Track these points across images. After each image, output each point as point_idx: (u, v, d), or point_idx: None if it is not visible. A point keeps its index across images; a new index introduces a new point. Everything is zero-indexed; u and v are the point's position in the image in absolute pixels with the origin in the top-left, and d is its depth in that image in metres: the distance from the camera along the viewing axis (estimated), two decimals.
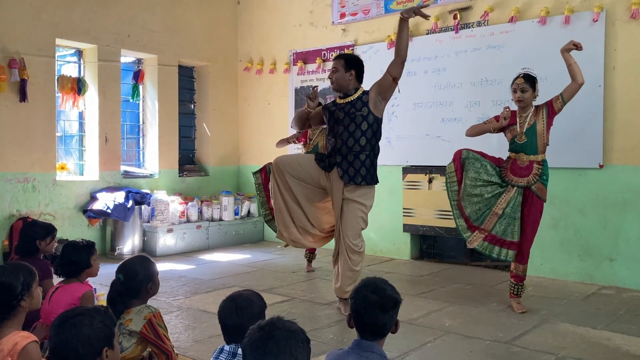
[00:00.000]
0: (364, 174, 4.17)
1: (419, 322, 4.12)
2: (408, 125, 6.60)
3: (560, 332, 3.90)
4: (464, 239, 4.54)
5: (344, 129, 4.20)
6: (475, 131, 4.66)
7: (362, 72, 4.35)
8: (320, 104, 4.76)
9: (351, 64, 4.28)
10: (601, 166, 5.30)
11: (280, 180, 4.46)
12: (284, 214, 4.49)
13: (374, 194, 4.36)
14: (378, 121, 4.25)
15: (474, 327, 4.01)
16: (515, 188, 4.37)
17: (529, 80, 4.37)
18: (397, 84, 4.18)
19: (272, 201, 4.67)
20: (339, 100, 4.34)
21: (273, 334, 1.57)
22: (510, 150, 4.49)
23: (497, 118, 4.54)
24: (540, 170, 4.34)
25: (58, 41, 6.55)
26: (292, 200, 4.46)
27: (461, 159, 4.54)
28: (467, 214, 4.47)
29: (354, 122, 4.17)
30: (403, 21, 4.06)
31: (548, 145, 4.41)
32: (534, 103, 4.46)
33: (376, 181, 4.29)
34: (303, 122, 4.63)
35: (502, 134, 4.61)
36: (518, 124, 4.42)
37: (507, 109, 4.45)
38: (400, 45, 4.11)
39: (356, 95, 4.25)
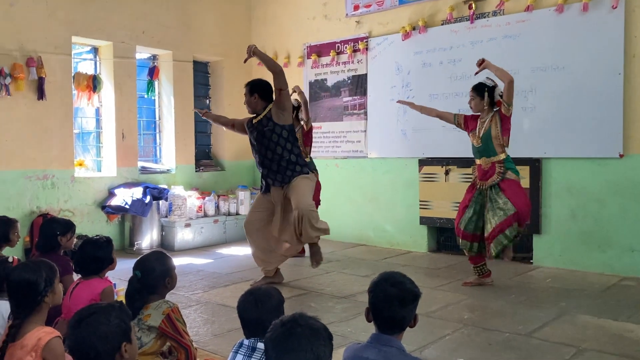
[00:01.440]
0: (290, 174, 4.78)
1: (437, 315, 4.10)
2: (424, 117, 6.49)
3: (580, 324, 3.86)
4: (484, 254, 4.89)
5: (260, 145, 4.81)
6: (427, 112, 5.35)
7: (267, 92, 4.83)
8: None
9: (253, 89, 4.83)
10: (621, 155, 5.22)
11: (252, 238, 5.10)
12: (264, 255, 5.11)
13: (309, 179, 4.85)
14: (285, 128, 4.77)
15: (493, 320, 3.99)
16: (489, 190, 4.75)
17: (476, 90, 4.77)
18: (286, 91, 4.72)
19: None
20: (253, 121, 4.88)
21: (295, 331, 1.57)
22: (474, 156, 4.91)
23: (467, 117, 4.99)
24: (502, 167, 4.71)
25: (74, 39, 6.61)
26: (264, 240, 5.08)
27: (462, 230, 4.90)
28: (464, 229, 4.86)
29: (265, 137, 4.76)
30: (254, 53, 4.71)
31: (507, 146, 4.74)
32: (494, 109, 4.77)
33: (306, 171, 4.84)
34: (225, 125, 5.37)
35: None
36: (477, 129, 4.82)
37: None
38: (266, 65, 4.76)
39: (263, 114, 4.79)
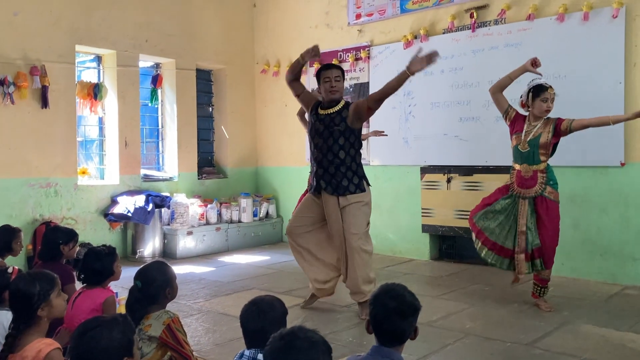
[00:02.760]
0: (345, 184, 4.26)
1: (439, 325, 4.10)
2: (425, 125, 6.57)
3: (582, 333, 3.86)
4: (511, 270, 4.58)
5: (323, 142, 4.30)
6: (498, 86, 4.60)
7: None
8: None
9: (343, 74, 4.39)
10: (623, 164, 5.22)
11: (296, 245, 4.60)
12: (313, 269, 4.58)
13: (368, 198, 4.37)
14: (354, 133, 4.30)
15: (495, 329, 3.98)
16: (527, 200, 4.41)
17: (547, 90, 4.38)
18: (374, 111, 4.26)
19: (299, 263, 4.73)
20: (320, 111, 4.37)
21: (294, 344, 1.58)
22: (514, 160, 4.55)
23: (517, 115, 4.53)
24: (545, 177, 4.38)
25: (78, 47, 6.65)
26: (311, 256, 4.58)
27: (475, 224, 4.61)
28: (488, 234, 4.53)
29: (332, 137, 4.27)
30: (406, 75, 3.99)
31: (551, 156, 4.43)
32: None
33: (362, 189, 4.31)
34: (296, 74, 4.56)
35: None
36: (525, 131, 4.44)
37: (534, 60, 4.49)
38: (388, 91, 4.13)
39: (338, 108, 4.30)
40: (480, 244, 4.61)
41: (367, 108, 4.22)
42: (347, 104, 4.34)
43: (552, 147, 4.41)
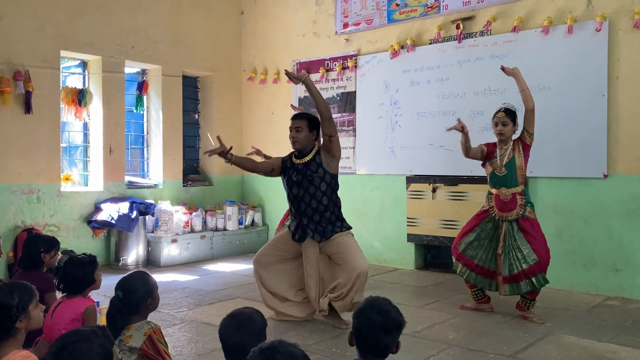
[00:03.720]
0: (331, 229, 4.30)
1: (423, 335, 4.10)
2: (411, 135, 6.60)
3: (564, 345, 3.87)
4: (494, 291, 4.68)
5: (304, 192, 4.29)
6: (464, 150, 4.62)
7: (318, 132, 4.39)
8: (267, 157, 5.26)
9: (313, 124, 4.34)
10: (605, 176, 5.27)
11: (262, 274, 4.56)
12: (274, 297, 4.56)
13: (350, 236, 4.39)
14: (334, 177, 4.35)
15: (478, 340, 3.99)
16: (506, 223, 4.50)
17: (510, 115, 4.48)
18: (336, 137, 4.25)
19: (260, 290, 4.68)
20: (295, 160, 4.38)
21: (274, 358, 1.56)
22: (492, 185, 4.63)
23: (487, 145, 4.62)
24: (523, 200, 4.47)
25: (63, 53, 6.60)
26: (275, 282, 4.56)
27: (462, 254, 4.68)
28: (477, 261, 4.62)
29: (312, 185, 4.26)
30: (304, 82, 4.20)
31: (525, 177, 4.53)
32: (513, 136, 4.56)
33: (347, 227, 4.38)
34: (263, 171, 4.58)
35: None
36: (498, 156, 4.54)
37: (459, 120, 4.60)
38: (317, 103, 4.22)
39: (311, 156, 4.31)
40: (461, 266, 4.69)
41: (329, 137, 4.22)
42: (318, 150, 4.34)
43: (526, 166, 4.50)
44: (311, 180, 4.26)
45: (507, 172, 4.48)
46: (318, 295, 4.39)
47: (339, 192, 4.44)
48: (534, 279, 4.34)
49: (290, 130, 4.32)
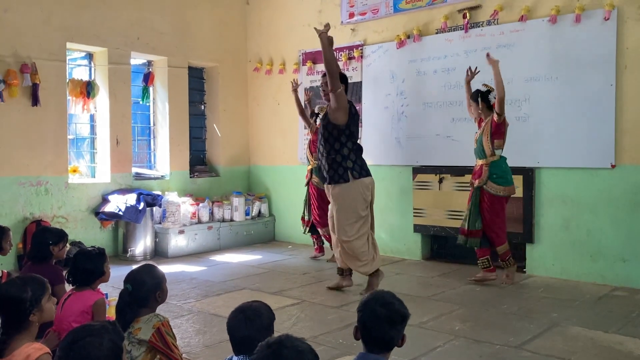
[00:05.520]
0: (332, 174, 4.89)
1: (429, 326, 4.12)
2: (418, 125, 6.58)
3: (571, 336, 3.88)
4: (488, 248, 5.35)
5: (320, 137, 5.03)
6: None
7: (347, 86, 5.07)
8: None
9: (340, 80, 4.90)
10: (613, 166, 5.25)
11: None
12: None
13: (350, 192, 4.86)
14: (337, 127, 4.85)
15: (484, 331, 4.00)
16: (474, 188, 5.26)
17: (472, 97, 5.35)
18: (336, 92, 4.75)
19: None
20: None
21: (281, 353, 1.57)
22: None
23: (478, 121, 5.44)
24: (488, 171, 5.14)
25: (69, 45, 6.61)
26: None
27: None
28: (462, 225, 5.42)
29: (321, 134, 4.99)
30: (320, 36, 4.76)
31: (501, 148, 5.15)
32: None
33: (347, 177, 4.83)
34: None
35: None
36: (476, 131, 5.35)
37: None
38: (326, 60, 4.74)
39: (327, 108, 5.00)
40: (464, 238, 5.36)
41: (328, 93, 4.82)
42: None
43: (494, 140, 5.10)
44: (324, 128, 4.94)
45: (477, 145, 5.24)
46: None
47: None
48: (470, 239, 5.20)
49: (321, 86, 5.11)
